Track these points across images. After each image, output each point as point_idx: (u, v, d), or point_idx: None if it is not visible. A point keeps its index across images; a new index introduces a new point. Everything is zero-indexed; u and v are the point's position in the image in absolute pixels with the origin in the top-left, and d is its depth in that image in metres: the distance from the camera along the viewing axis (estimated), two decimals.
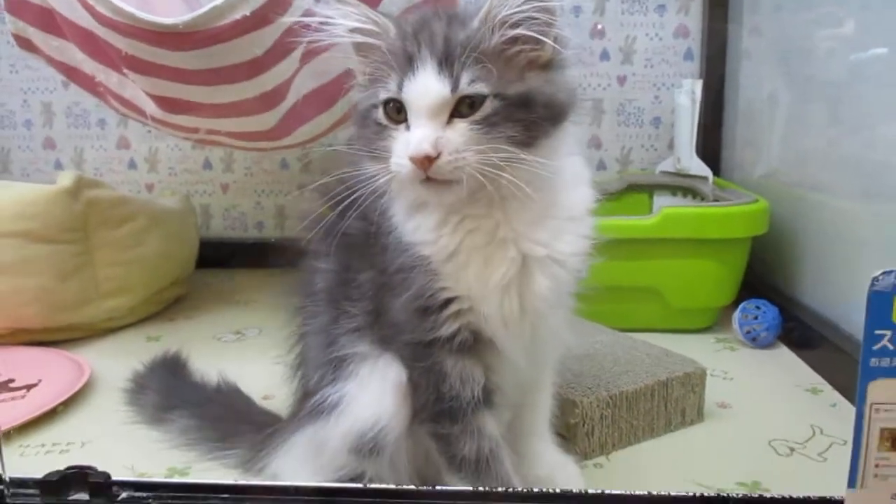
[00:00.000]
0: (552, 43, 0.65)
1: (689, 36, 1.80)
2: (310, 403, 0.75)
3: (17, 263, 1.24)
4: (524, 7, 0.63)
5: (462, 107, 0.63)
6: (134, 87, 1.15)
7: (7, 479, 0.67)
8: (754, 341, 1.29)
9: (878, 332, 0.58)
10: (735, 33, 1.75)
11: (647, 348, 1.06)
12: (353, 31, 0.68)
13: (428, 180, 0.63)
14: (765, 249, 1.43)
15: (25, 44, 1.27)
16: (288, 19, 1.01)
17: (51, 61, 1.29)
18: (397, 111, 0.65)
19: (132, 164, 1.99)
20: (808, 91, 1.42)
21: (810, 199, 1.38)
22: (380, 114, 0.66)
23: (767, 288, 1.44)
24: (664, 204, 1.73)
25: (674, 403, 0.98)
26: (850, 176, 1.23)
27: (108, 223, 1.36)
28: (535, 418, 0.83)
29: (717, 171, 1.72)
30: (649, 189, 1.75)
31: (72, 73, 1.28)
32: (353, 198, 0.68)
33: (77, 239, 1.31)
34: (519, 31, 0.64)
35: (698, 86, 1.62)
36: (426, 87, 0.63)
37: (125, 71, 1.10)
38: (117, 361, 1.22)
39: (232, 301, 1.64)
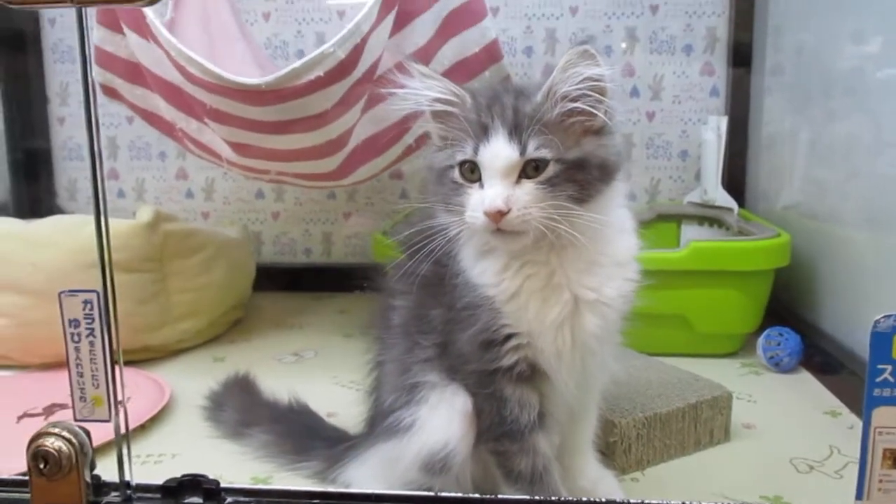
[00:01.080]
0: (603, 115, 0.77)
1: (714, 74, 1.91)
2: (385, 424, 0.86)
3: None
4: (580, 85, 0.75)
5: (528, 169, 0.75)
6: (212, 134, 1.28)
7: (134, 484, 0.79)
8: (777, 366, 1.38)
9: (880, 366, 0.69)
10: (758, 71, 1.85)
11: (677, 373, 1.16)
12: (435, 100, 0.80)
13: (498, 231, 0.74)
14: (788, 279, 1.53)
15: (111, 92, 1.41)
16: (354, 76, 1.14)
17: (133, 108, 1.43)
18: (471, 171, 0.77)
19: (189, 194, 2.13)
20: (826, 127, 1.52)
21: (830, 230, 1.47)
22: (456, 174, 0.78)
23: (790, 316, 1.54)
24: (691, 233, 1.83)
25: (703, 424, 1.08)
26: (866, 208, 1.32)
27: (180, 253, 1.49)
28: (581, 437, 0.94)
29: (741, 203, 1.81)
30: (677, 218, 1.85)
31: (152, 119, 1.42)
32: (429, 245, 0.79)
33: (154, 268, 1.45)
34: (576, 104, 0.76)
35: (724, 122, 1.72)
36: (499, 152, 0.74)
37: (206, 120, 1.23)
38: (190, 379, 1.35)
39: (285, 324, 1.76)
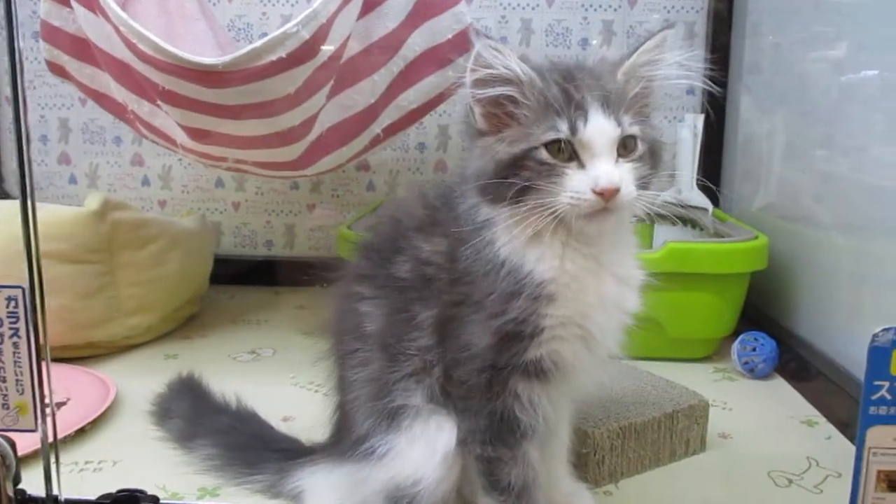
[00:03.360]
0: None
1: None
2: (358, 449, 0.79)
3: (45, 283, 1.28)
4: (668, 70, 0.74)
5: (619, 148, 0.71)
6: (165, 118, 1.20)
7: (63, 500, 0.72)
8: (752, 372, 1.34)
9: (876, 382, 0.64)
10: (735, 69, 1.82)
11: (651, 380, 1.12)
12: (501, 79, 0.72)
13: (603, 210, 0.70)
14: (764, 282, 1.49)
15: (58, 70, 1.32)
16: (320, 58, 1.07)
17: (82, 87, 1.34)
18: (559, 151, 0.71)
19: (146, 181, 2.03)
20: (803, 128, 1.49)
21: (806, 233, 1.44)
22: (543, 154, 0.71)
23: (766, 320, 1.50)
24: (665, 234, 1.79)
25: (679, 434, 1.03)
26: (843, 209, 1.29)
27: (131, 244, 1.40)
28: (559, 446, 0.88)
29: (716, 203, 1.77)
30: (650, 219, 1.81)
31: (102, 100, 1.33)
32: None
33: (102, 259, 1.36)
34: (652, 84, 0.74)
35: (700, 120, 1.68)
36: (602, 127, 0.70)
37: (159, 103, 1.14)
38: (138, 378, 1.27)
39: (243, 320, 1.68)
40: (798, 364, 1.32)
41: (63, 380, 1.24)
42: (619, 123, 0.70)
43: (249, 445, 0.96)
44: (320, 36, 1.04)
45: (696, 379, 1.34)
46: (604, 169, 0.70)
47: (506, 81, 0.72)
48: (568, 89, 0.71)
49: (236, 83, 1.04)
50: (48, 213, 1.31)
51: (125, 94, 1.23)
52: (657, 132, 0.76)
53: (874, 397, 0.64)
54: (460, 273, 0.76)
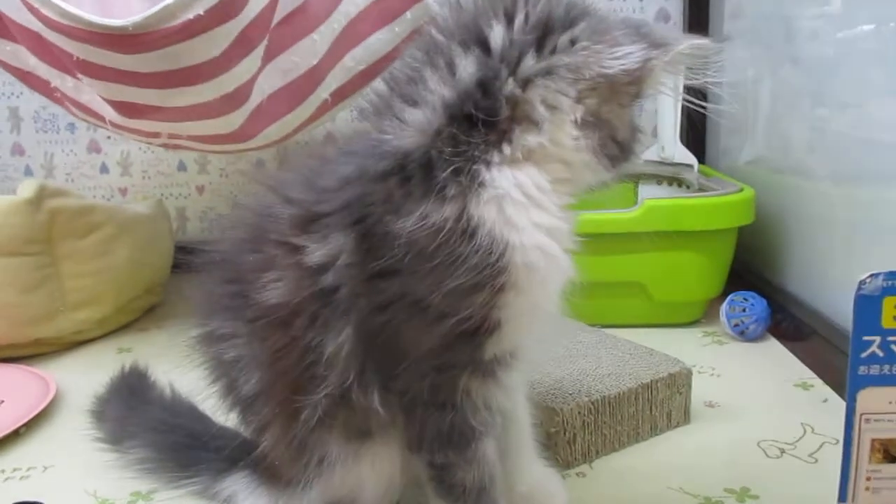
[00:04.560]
0: None
1: (670, 20, 1.76)
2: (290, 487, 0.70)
3: None
4: None
5: None
6: (90, 92, 1.11)
7: None
8: (742, 335, 1.25)
9: (866, 338, 0.55)
10: (717, 16, 1.71)
11: (630, 348, 1.03)
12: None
13: None
14: (752, 239, 1.40)
15: None
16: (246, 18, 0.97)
17: (5, 66, 1.24)
18: None
19: (104, 169, 1.94)
20: (792, 73, 1.38)
21: (797, 184, 1.34)
22: None
23: (756, 278, 1.41)
24: (649, 193, 1.69)
25: (659, 406, 0.94)
26: (836, 159, 1.19)
27: (73, 233, 1.31)
28: (519, 431, 0.79)
29: (702, 159, 1.68)
30: (634, 178, 1.71)
31: (28, 79, 1.23)
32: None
33: (41, 251, 1.27)
34: None
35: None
36: None
37: (79, 76, 1.05)
38: (86, 376, 1.18)
39: None
40: (791, 323, 1.23)
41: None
42: None
43: (185, 445, 0.87)
44: None
45: (684, 344, 1.26)
46: None
47: None
48: None
49: (152, 47, 0.94)
50: None
51: (47, 70, 1.13)
52: None
53: (864, 354, 0.55)
54: (387, 263, 0.58)
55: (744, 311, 1.25)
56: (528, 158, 0.60)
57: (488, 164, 0.59)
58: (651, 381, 0.93)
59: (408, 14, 1.16)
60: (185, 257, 1.84)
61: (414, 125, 0.60)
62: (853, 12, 1.16)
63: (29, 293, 1.26)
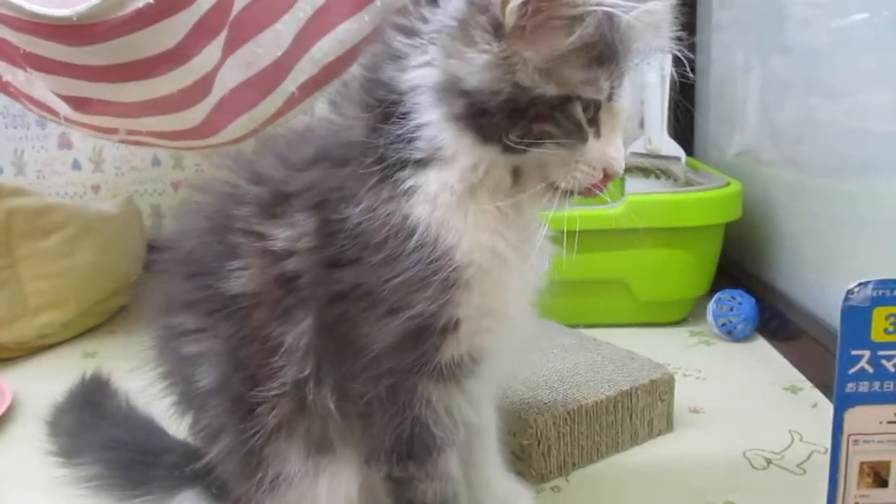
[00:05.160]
0: None
1: None
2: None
3: None
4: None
5: None
6: (42, 87, 1.05)
7: None
8: (730, 334, 1.20)
9: (854, 352, 0.50)
10: (705, 5, 1.66)
11: (611, 352, 0.98)
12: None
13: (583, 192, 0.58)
14: (740, 234, 1.35)
15: None
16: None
17: None
18: (584, 109, 0.55)
19: (76, 165, 1.88)
20: (782, 62, 1.33)
21: (787, 178, 1.30)
22: (579, 111, 0.55)
23: (744, 275, 1.36)
24: (636, 186, 1.64)
25: (639, 414, 0.90)
26: (828, 150, 1.14)
27: (33, 233, 1.26)
28: (485, 444, 0.74)
29: (689, 151, 1.63)
30: None
31: None
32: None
33: None
34: None
35: (667, 61, 1.52)
36: (628, 98, 0.58)
37: (28, 69, 0.99)
38: (47, 383, 1.12)
39: None
40: (780, 323, 1.18)
41: None
42: None
43: (136, 461, 0.82)
44: None
45: (670, 345, 1.21)
46: (619, 150, 0.58)
47: None
48: (615, 39, 0.54)
49: (100, 38, 0.88)
50: None
51: None
52: None
53: (852, 370, 0.51)
54: (342, 250, 0.57)
55: (731, 310, 1.21)
56: (447, 156, 0.57)
57: (415, 163, 0.57)
58: (631, 388, 0.88)
59: (377, 2, 1.10)
60: (159, 255, 1.80)
61: (361, 117, 0.59)
62: (846, 1, 1.11)
63: None
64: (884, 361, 0.50)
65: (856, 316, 0.49)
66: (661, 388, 0.91)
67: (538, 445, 0.82)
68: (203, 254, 0.63)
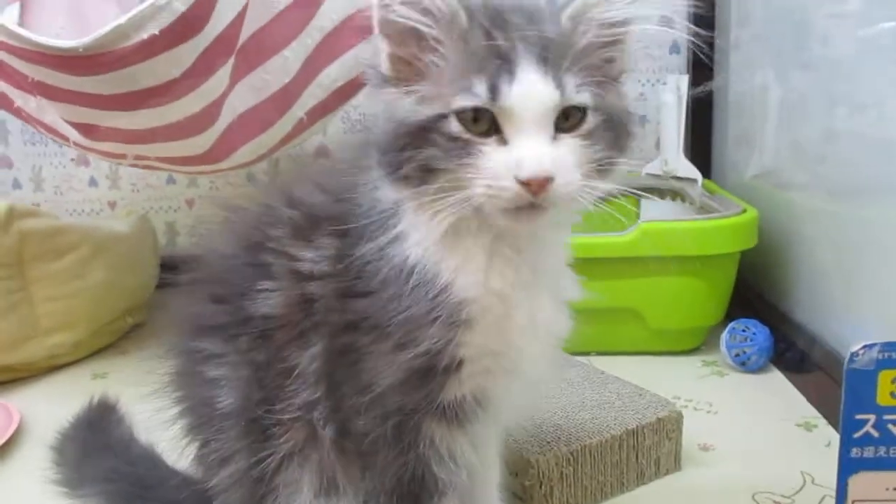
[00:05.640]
0: (629, 56, 0.58)
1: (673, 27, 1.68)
2: None
3: None
4: (626, 7, 0.55)
5: (560, 120, 0.53)
6: (53, 113, 1.06)
7: None
8: (743, 365, 1.18)
9: (858, 416, 0.48)
10: (723, 23, 1.63)
11: (619, 386, 0.96)
12: (413, 4, 0.53)
13: (530, 207, 0.53)
14: (757, 260, 1.32)
15: None
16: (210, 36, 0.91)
17: None
18: (475, 122, 0.53)
19: (93, 182, 1.90)
20: (803, 78, 1.30)
21: (806, 203, 1.26)
22: (454, 126, 0.53)
23: (760, 303, 1.33)
24: (652, 209, 1.62)
25: (646, 453, 0.88)
26: (849, 172, 1.10)
27: (45, 255, 1.26)
28: (486, 484, 0.73)
29: (707, 173, 1.60)
30: (636, 193, 1.64)
31: None
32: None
33: (10, 275, 1.22)
34: (617, 34, 0.56)
35: (684, 81, 1.51)
36: (534, 91, 0.52)
37: (38, 96, 1.00)
38: (55, 405, 1.13)
39: None
40: (796, 355, 1.15)
41: None
42: (560, 85, 0.52)
43: (136, 495, 0.82)
44: (201, 8, 0.88)
45: (682, 375, 1.19)
46: (531, 149, 0.52)
47: (422, 10, 0.53)
48: (493, 34, 0.53)
49: (107, 68, 0.88)
50: None
51: (7, 89, 1.08)
52: (624, 100, 0.59)
53: (857, 435, 0.49)
54: (354, 281, 0.59)
55: (745, 340, 1.18)
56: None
57: (406, 208, 0.58)
58: (637, 426, 0.86)
59: None
60: (173, 273, 1.80)
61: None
62: (872, 10, 1.07)
63: None
64: (890, 426, 0.48)
65: (860, 379, 0.47)
66: (668, 427, 0.89)
67: (540, 487, 0.80)
68: (232, 275, 0.64)
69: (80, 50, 0.85)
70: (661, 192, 1.61)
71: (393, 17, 0.53)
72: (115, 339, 1.45)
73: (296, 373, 0.61)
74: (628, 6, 0.55)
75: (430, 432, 0.59)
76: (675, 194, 1.57)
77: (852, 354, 0.46)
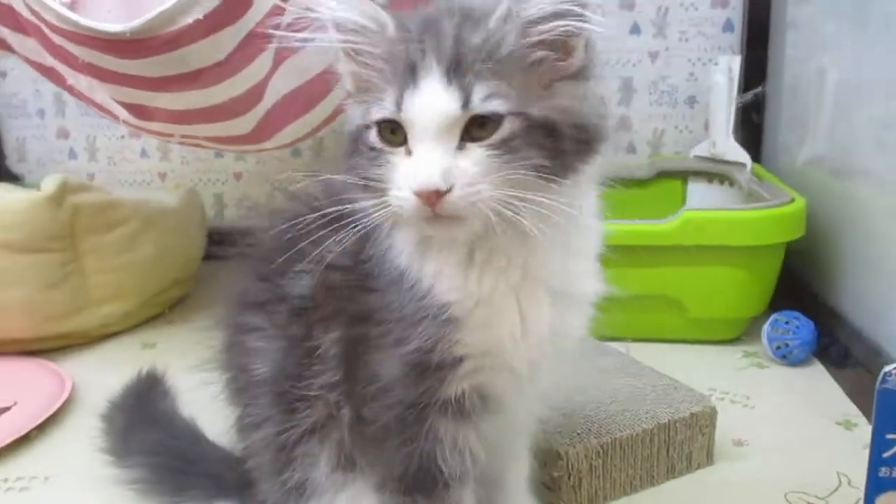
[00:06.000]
0: (582, 51, 0.55)
1: (728, 5, 1.63)
2: None
3: (0, 275, 1.20)
4: (553, 3, 0.52)
5: (474, 128, 0.52)
6: (103, 93, 1.08)
7: None
8: (785, 358, 1.16)
9: (889, 436, 0.47)
10: (780, 2, 1.58)
11: (653, 378, 0.95)
12: (341, 27, 0.56)
13: (435, 217, 0.53)
14: (803, 249, 1.29)
15: (2, 45, 1.21)
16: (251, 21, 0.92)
17: (28, 62, 1.23)
18: (392, 132, 0.54)
19: (144, 154, 1.94)
20: (860, 66, 1.25)
21: (859, 191, 1.22)
22: (373, 136, 0.55)
23: (805, 294, 1.30)
24: (698, 193, 1.59)
25: (677, 447, 0.87)
26: None
27: (97, 229, 1.30)
28: (514, 475, 0.74)
29: (756, 157, 1.56)
30: (682, 175, 1.61)
31: (49, 74, 1.22)
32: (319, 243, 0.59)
33: (64, 247, 1.26)
34: (546, 33, 0.53)
35: (736, 62, 1.47)
36: (430, 102, 0.52)
37: (88, 77, 1.02)
38: (105, 373, 1.17)
39: None
40: (839, 350, 1.13)
41: (16, 376, 1.17)
42: (465, 95, 0.51)
43: (179, 469, 0.85)
44: None
45: (720, 365, 1.18)
46: (423, 161, 0.52)
47: (355, 26, 0.55)
48: (410, 45, 0.53)
49: (153, 52, 0.90)
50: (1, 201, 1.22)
51: (62, 68, 1.11)
52: (582, 100, 0.55)
53: (886, 455, 0.48)
54: (366, 277, 0.61)
55: (788, 332, 1.16)
56: None
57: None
58: (670, 420, 0.86)
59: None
60: (220, 244, 1.84)
61: None
62: None
63: (52, 289, 1.26)
64: None
65: (891, 399, 0.46)
66: (702, 422, 0.88)
67: (569, 478, 0.81)
68: (275, 255, 0.66)
69: (127, 34, 0.87)
70: (708, 176, 1.58)
71: (331, 41, 0.56)
72: (162, 310, 1.50)
73: (317, 353, 0.64)
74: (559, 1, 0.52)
75: (434, 425, 0.61)
76: (724, 178, 1.54)
77: (885, 374, 0.46)
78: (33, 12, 0.92)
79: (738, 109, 1.49)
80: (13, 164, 2.02)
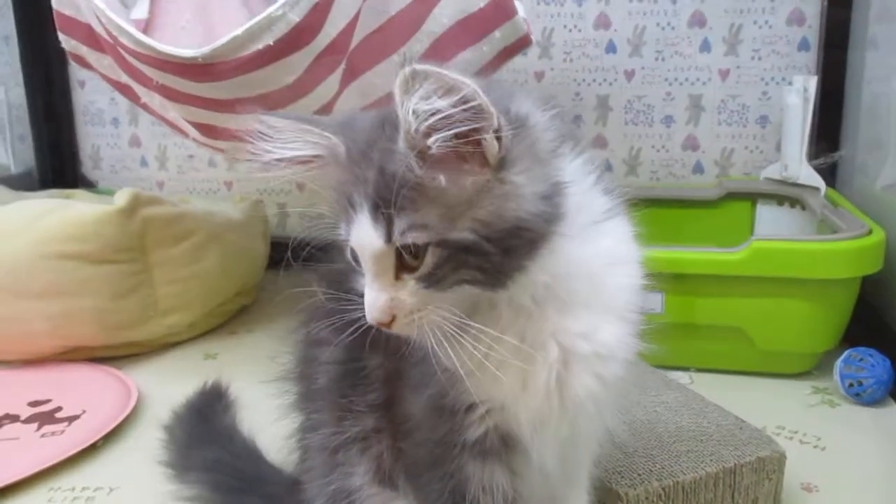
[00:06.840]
0: (493, 141, 0.50)
1: (804, 23, 1.57)
2: None
3: (72, 285, 1.24)
4: (442, 112, 0.48)
5: (408, 257, 0.52)
6: (174, 111, 1.11)
7: None
8: (858, 397, 1.11)
9: None
10: (860, 19, 1.51)
11: (718, 416, 0.92)
12: (292, 161, 0.57)
13: None
14: (882, 282, 1.23)
15: (80, 61, 1.26)
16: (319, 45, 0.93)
17: (105, 79, 1.27)
18: (354, 256, 0.55)
19: (212, 163, 1.99)
20: None
21: None
22: (348, 252, 0.56)
23: (882, 327, 1.25)
24: (768, 215, 1.54)
25: (743, 493, 0.84)
26: None
27: (165, 241, 1.34)
28: None
29: (831, 182, 1.50)
30: (752, 197, 1.57)
31: (125, 90, 1.26)
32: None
33: (134, 259, 1.30)
34: (440, 149, 0.50)
35: (811, 83, 1.42)
36: (363, 236, 0.53)
37: (161, 97, 1.05)
38: (169, 384, 1.21)
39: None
40: None
41: (85, 384, 1.21)
42: (387, 229, 0.51)
43: (237, 488, 0.87)
44: (315, 17, 0.90)
45: (789, 401, 1.13)
46: (369, 296, 0.54)
47: (304, 163, 0.58)
48: (351, 174, 0.54)
49: (224, 76, 0.92)
50: (75, 213, 1.26)
51: (136, 87, 1.14)
52: (508, 198, 0.52)
53: None
54: None
55: (862, 370, 1.11)
56: None
57: None
58: (735, 464, 0.83)
59: (496, 33, 1.08)
60: (283, 254, 1.86)
61: None
62: None
63: (121, 299, 1.30)
64: None
65: None
66: (769, 467, 0.85)
67: None
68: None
69: (199, 59, 0.89)
70: (779, 199, 1.53)
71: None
72: (225, 320, 1.53)
73: (365, 371, 0.65)
74: (444, 110, 0.48)
75: (461, 463, 0.61)
76: (795, 201, 1.48)
77: None
78: (110, 35, 0.95)
79: (812, 132, 1.44)
80: (88, 170, 2.09)
